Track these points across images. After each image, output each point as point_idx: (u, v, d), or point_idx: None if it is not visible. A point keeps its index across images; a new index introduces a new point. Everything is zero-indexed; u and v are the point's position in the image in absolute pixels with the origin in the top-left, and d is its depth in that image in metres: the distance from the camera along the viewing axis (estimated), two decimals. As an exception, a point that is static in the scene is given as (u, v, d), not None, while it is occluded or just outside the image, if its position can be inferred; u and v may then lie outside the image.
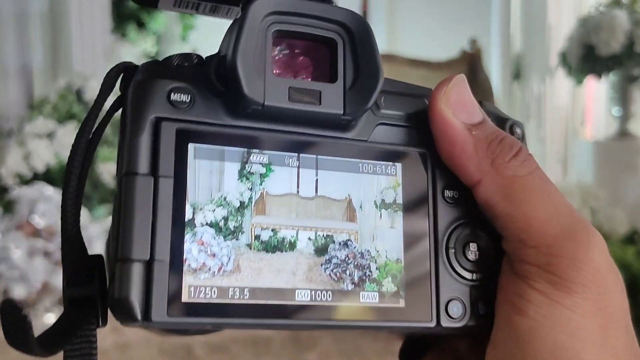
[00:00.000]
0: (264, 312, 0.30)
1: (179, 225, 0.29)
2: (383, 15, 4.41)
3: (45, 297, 2.17)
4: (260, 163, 0.31)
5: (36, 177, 2.74)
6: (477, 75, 3.07)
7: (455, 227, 0.34)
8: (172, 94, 0.29)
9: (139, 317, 0.28)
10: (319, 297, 0.31)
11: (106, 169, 2.51)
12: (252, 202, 0.31)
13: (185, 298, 0.28)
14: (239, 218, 0.30)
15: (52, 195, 2.26)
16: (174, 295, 0.28)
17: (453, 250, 0.33)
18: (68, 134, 2.76)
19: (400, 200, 0.33)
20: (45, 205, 2.20)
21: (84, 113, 2.85)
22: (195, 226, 0.29)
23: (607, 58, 2.79)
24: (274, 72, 0.31)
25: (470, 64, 3.11)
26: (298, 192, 0.31)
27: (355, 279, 0.32)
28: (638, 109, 3.04)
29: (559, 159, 3.54)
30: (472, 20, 3.94)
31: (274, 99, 0.30)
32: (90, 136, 0.30)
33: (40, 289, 2.14)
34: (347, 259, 0.32)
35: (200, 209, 0.29)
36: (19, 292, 2.12)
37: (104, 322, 0.29)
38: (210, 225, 0.30)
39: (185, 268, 0.29)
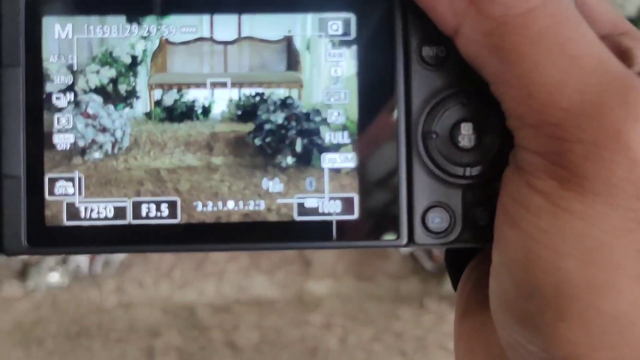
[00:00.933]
0: (162, 234, 0.23)
1: (37, 127, 0.23)
2: None
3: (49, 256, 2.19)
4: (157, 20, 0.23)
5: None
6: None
7: (440, 102, 0.24)
8: None
9: None
10: (244, 204, 0.23)
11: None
12: (146, 56, 0.23)
13: (49, 221, 0.23)
14: (131, 78, 0.23)
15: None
16: (35, 219, 0.23)
17: (434, 136, 0.24)
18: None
19: (354, 70, 0.24)
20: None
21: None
22: (77, 95, 0.23)
23: None
24: None
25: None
26: (212, 36, 0.23)
27: (298, 150, 0.23)
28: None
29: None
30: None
31: None
32: None
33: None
34: (286, 123, 0.23)
35: (81, 72, 0.22)
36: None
37: None
38: (96, 91, 0.23)
39: (47, 183, 0.23)
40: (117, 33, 0.23)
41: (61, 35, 0.23)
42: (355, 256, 2.42)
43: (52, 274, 2.22)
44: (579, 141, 0.19)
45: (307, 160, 0.23)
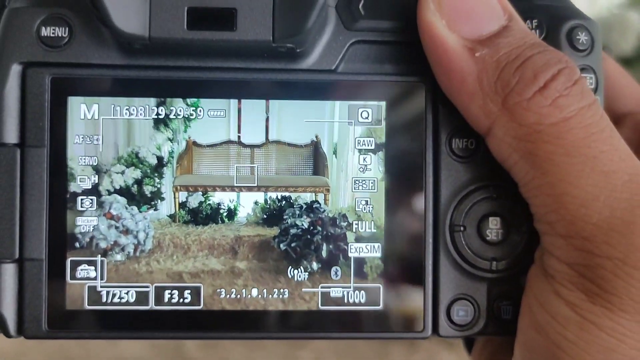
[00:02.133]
0: (183, 320, 0.22)
1: (60, 210, 0.22)
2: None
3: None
4: (184, 102, 0.22)
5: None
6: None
7: (468, 194, 0.24)
8: (44, 28, 0.22)
9: (12, 331, 0.23)
10: (268, 293, 0.23)
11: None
12: (172, 159, 0.23)
13: (70, 305, 0.23)
14: (156, 180, 0.23)
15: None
16: (55, 302, 0.23)
17: (461, 229, 0.23)
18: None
19: (382, 158, 0.24)
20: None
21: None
22: (101, 195, 0.22)
23: (617, 59, 2.74)
24: None
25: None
26: (240, 138, 0.23)
27: (324, 255, 0.23)
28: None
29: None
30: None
31: (164, 29, 0.21)
32: None
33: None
34: (312, 228, 0.23)
35: (106, 172, 0.22)
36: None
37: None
38: (121, 192, 0.22)
39: (69, 266, 0.23)
40: (143, 115, 0.23)
41: (87, 116, 0.23)
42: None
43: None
44: (608, 257, 0.19)
45: (333, 265, 0.23)
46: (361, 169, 0.23)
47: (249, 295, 0.23)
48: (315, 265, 0.23)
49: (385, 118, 0.23)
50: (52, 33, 0.22)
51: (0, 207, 0.22)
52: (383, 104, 0.23)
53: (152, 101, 0.23)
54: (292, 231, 0.23)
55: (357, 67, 0.23)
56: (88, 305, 0.23)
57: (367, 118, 0.23)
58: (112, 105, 0.23)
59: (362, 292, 0.23)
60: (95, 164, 0.22)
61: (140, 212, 0.23)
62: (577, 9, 0.24)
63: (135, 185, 0.22)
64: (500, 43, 0.21)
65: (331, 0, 0.23)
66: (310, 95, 0.23)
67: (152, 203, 0.23)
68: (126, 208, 0.22)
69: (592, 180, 0.20)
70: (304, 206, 0.23)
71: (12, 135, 0.22)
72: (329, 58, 0.23)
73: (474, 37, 0.21)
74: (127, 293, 0.23)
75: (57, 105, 0.22)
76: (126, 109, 0.23)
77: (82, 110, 0.23)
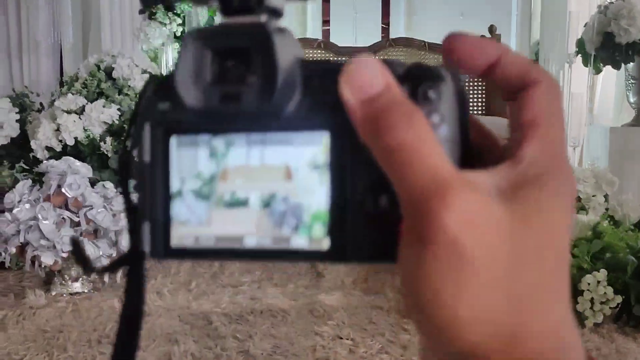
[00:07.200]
0: (225, 253, 0.40)
1: (167, 196, 0.40)
2: (402, 0, 4.44)
3: (72, 266, 2.26)
4: (223, 144, 0.40)
5: (65, 150, 2.88)
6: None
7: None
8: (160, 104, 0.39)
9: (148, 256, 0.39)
10: (264, 240, 0.41)
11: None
12: (217, 174, 0.40)
13: (173, 244, 0.39)
14: (210, 185, 0.40)
15: (80, 168, 2.29)
16: (167, 242, 0.39)
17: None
18: (96, 109, 2.91)
19: (327, 163, 0.37)
20: (73, 177, 2.22)
21: (111, 90, 3.02)
22: (183, 193, 0.40)
23: (626, 46, 2.78)
24: (209, 82, 0.38)
25: (489, 50, 3.11)
26: (248, 163, 0.41)
27: (292, 224, 0.40)
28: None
29: (576, 144, 3.55)
30: (492, 7, 3.96)
31: (209, 103, 0.38)
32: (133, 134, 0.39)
33: (67, 258, 2.22)
34: (286, 210, 0.40)
35: (187, 182, 0.40)
36: (46, 260, 2.17)
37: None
38: (192, 192, 0.40)
39: (172, 225, 0.39)
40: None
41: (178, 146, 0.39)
42: (362, 271, 2.48)
43: (75, 284, 2.30)
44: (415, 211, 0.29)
45: (297, 230, 0.41)
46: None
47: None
48: (288, 231, 0.40)
49: (329, 142, 0.36)
50: (165, 109, 0.38)
51: (144, 196, 0.39)
52: (328, 133, 0.37)
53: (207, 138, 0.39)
54: (276, 211, 0.40)
55: (310, 113, 0.36)
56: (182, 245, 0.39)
57: (317, 141, 0.37)
58: (192, 138, 0.39)
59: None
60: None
61: (202, 202, 0.40)
62: (431, 74, 0.33)
63: (200, 188, 0.40)
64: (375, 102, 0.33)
65: None
66: (285, 129, 0.37)
67: (207, 197, 0.39)
68: (195, 200, 0.40)
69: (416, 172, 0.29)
70: (282, 198, 0.39)
71: (146, 157, 0.39)
72: (297, 113, 0.37)
73: (363, 99, 0.33)
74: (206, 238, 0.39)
75: (165, 142, 0.38)
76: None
77: (177, 143, 0.38)
